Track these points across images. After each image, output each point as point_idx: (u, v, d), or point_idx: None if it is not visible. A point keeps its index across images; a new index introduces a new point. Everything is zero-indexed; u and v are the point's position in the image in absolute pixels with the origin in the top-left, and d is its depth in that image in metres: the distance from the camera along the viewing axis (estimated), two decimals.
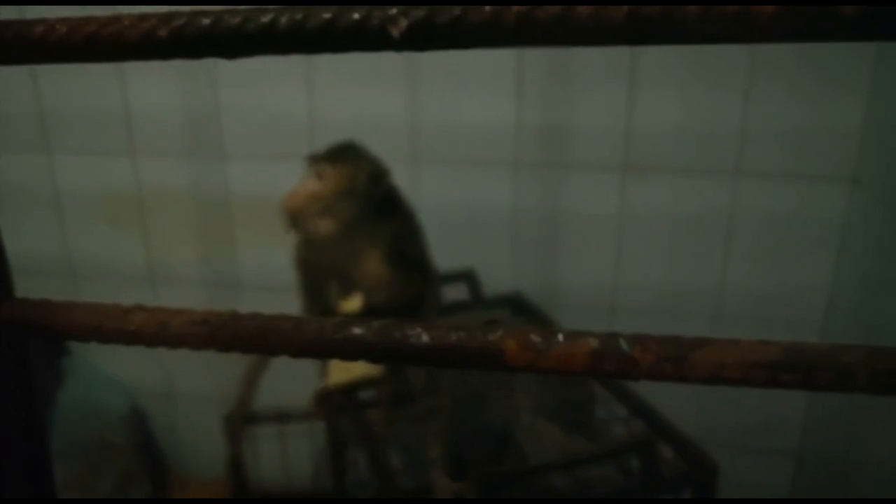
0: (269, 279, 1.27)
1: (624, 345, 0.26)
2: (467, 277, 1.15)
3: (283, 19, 0.23)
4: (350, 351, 0.27)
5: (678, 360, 0.26)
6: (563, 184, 1.14)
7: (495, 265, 1.19)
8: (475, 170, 1.16)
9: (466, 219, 1.19)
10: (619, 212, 1.13)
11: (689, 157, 1.08)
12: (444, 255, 1.00)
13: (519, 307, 1.14)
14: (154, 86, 1.23)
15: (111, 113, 1.27)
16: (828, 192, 1.05)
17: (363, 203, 0.88)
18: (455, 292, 1.14)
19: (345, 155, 0.89)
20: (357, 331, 0.27)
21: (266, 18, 0.24)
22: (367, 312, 0.90)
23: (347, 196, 0.87)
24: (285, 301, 1.01)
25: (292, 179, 0.91)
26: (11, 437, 0.31)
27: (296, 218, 0.89)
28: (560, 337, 0.26)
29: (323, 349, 0.27)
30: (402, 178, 0.95)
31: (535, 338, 0.26)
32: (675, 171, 1.09)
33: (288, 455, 1.33)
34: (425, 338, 0.26)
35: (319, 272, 0.94)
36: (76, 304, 0.29)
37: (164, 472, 1.50)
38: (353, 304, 0.92)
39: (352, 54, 0.25)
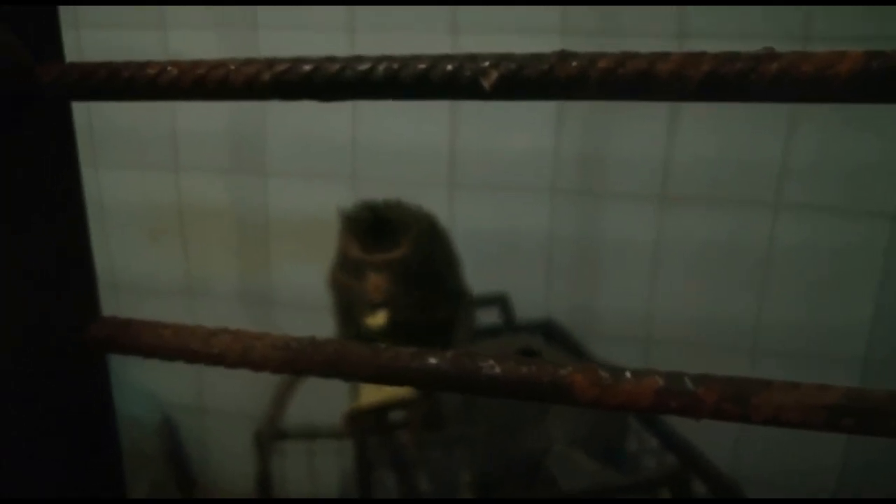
0: (304, 297, 1.29)
1: (689, 384, 0.27)
2: (500, 302, 1.16)
3: (381, 68, 0.25)
4: (424, 379, 0.28)
5: (740, 400, 0.27)
6: (600, 212, 1.15)
7: (529, 291, 1.19)
8: (512, 196, 1.17)
9: (502, 244, 1.20)
10: (655, 241, 1.14)
11: (728, 188, 1.09)
12: (478, 279, 1.01)
13: (551, 334, 1.15)
14: (202, 103, 1.27)
15: (159, 129, 1.31)
16: (870, 227, 1.04)
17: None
18: (488, 316, 1.15)
19: (391, 236, 0.89)
20: (432, 360, 0.28)
21: (364, 66, 0.25)
22: (391, 328, 0.90)
23: (410, 267, 0.89)
24: (320, 319, 1.03)
25: (332, 199, 0.92)
26: (100, 452, 0.33)
27: (388, 307, 0.90)
28: (627, 374, 0.27)
29: (397, 376, 0.28)
30: (440, 202, 0.97)
31: (603, 374, 0.27)
32: (713, 201, 1.10)
33: (315, 472, 1.34)
34: (497, 370, 0.27)
35: (353, 294, 0.95)
36: (163, 325, 0.31)
37: (192, 483, 1.52)
38: (379, 318, 0.92)
39: None
